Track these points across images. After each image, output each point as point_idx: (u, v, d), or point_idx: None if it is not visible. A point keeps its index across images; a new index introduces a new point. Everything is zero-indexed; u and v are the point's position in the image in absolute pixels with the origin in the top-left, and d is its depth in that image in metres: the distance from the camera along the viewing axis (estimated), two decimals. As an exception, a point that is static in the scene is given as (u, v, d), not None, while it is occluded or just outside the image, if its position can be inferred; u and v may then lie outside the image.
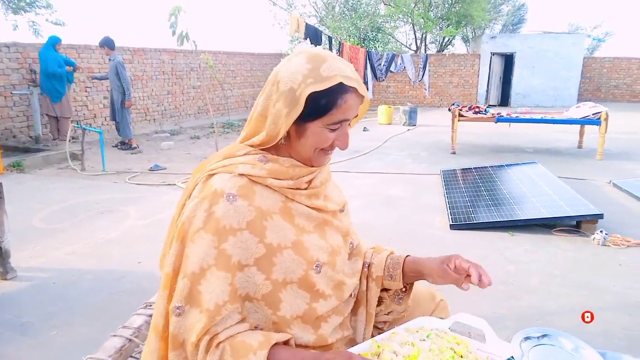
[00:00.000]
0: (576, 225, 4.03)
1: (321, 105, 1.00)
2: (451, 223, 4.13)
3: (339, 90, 1.00)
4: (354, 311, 1.28)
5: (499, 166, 5.93)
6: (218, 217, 1.00)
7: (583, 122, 7.18)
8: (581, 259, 3.44)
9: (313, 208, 1.14)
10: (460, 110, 7.76)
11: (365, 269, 1.30)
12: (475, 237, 3.89)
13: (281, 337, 1.02)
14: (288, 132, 1.07)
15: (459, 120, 7.68)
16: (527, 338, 1.26)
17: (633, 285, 3.05)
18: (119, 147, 8.24)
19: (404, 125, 11.58)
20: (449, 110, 7.96)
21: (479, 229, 4.04)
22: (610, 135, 7.95)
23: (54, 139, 7.97)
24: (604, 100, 17.30)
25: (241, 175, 1.04)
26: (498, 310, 2.77)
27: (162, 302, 1.04)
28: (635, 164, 6.72)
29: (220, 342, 0.97)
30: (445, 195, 4.95)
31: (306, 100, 0.99)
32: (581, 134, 8.00)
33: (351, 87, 1.01)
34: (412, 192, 5.32)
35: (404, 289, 1.31)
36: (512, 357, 1.14)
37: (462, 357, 1.09)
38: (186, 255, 1.00)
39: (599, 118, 6.91)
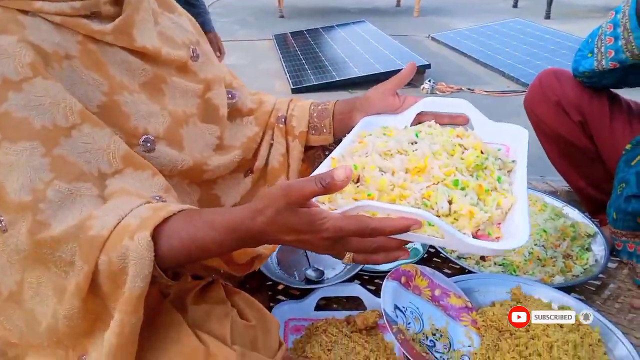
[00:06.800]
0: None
1: None
2: (292, 87, 4.01)
3: None
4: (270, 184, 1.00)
5: (329, 27, 5.83)
6: None
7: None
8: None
9: (134, 52, 0.75)
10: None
11: (282, 125, 1.01)
12: (316, 98, 3.83)
13: (175, 208, 0.65)
14: None
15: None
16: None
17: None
18: None
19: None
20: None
21: (319, 90, 3.99)
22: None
23: None
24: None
25: None
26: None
27: None
28: (449, 18, 7.19)
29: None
30: (282, 60, 4.75)
31: None
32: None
33: None
34: (249, 59, 5.01)
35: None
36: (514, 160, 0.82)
37: (482, 153, 0.77)
38: None
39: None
